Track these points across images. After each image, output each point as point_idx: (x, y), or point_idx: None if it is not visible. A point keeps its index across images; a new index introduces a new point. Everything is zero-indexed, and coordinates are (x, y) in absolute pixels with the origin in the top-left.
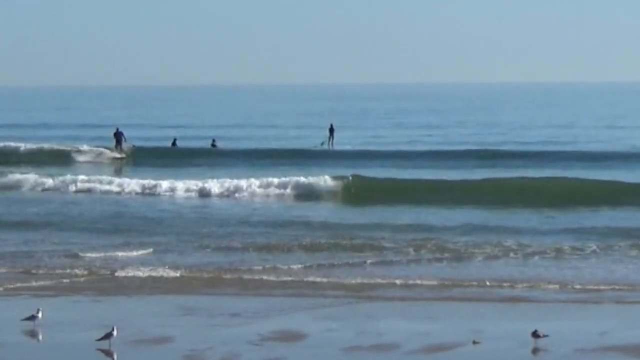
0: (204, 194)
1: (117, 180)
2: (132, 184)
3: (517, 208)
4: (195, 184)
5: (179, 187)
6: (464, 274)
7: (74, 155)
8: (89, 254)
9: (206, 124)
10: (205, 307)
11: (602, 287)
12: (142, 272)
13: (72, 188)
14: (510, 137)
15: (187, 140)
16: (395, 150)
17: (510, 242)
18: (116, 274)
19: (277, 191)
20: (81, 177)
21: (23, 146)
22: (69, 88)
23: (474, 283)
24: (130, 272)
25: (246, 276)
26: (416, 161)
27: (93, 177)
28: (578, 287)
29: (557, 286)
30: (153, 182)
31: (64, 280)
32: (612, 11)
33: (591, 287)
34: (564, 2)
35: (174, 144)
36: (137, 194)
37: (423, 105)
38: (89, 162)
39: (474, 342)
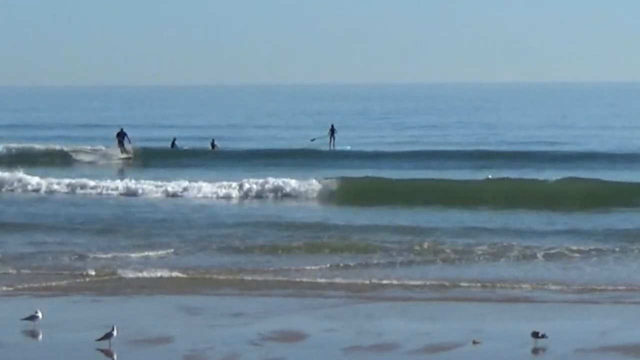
0: (203, 194)
1: (117, 180)
2: (130, 185)
3: (517, 209)
4: (194, 185)
5: (178, 187)
6: (464, 275)
7: (78, 156)
8: (90, 255)
9: (206, 124)
10: (206, 307)
11: (602, 288)
12: (142, 273)
13: (74, 189)
14: (510, 138)
15: (187, 140)
16: (395, 150)
17: (510, 242)
18: (117, 274)
19: (277, 192)
20: (83, 178)
21: (27, 147)
22: (69, 88)
23: (474, 283)
24: (131, 273)
25: (246, 277)
26: (416, 161)
27: (94, 178)
28: (578, 287)
29: (557, 286)
30: (152, 183)
31: (65, 281)
32: (612, 11)
33: (591, 287)
34: (564, 2)
35: (173, 144)
36: (135, 195)
37: (423, 105)
38: (92, 162)
39: (474, 342)
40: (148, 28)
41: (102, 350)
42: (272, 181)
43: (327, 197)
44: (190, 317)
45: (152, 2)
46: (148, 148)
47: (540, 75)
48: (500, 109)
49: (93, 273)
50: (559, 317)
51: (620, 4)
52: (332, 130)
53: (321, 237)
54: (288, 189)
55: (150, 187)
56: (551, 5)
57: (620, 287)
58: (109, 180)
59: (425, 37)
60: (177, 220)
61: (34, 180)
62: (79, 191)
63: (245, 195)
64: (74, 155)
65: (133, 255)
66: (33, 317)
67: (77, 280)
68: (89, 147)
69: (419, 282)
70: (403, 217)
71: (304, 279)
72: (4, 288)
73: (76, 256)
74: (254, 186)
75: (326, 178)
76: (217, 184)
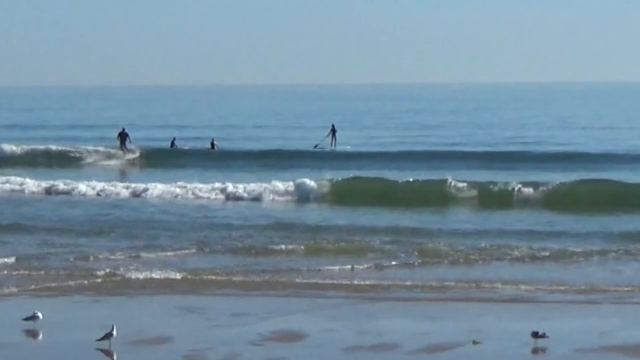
0: (204, 195)
1: (117, 181)
2: (129, 185)
3: (517, 209)
4: (194, 186)
5: (178, 188)
6: (464, 275)
7: (80, 156)
8: (90, 256)
9: (206, 124)
10: (206, 307)
11: (602, 288)
12: (143, 273)
13: (73, 189)
14: (510, 138)
15: (186, 140)
16: (395, 150)
17: (510, 243)
18: (117, 274)
19: (277, 192)
20: (83, 179)
21: (28, 148)
22: (69, 88)
23: (474, 284)
24: (131, 273)
25: (246, 277)
26: (416, 162)
27: (94, 178)
28: (578, 287)
29: (557, 287)
30: (151, 184)
31: (65, 282)
32: (612, 11)
33: (591, 287)
34: (564, 2)
35: (172, 144)
36: (134, 196)
37: (423, 106)
38: (93, 163)
39: (474, 342)
40: (148, 28)
41: (102, 350)
42: (272, 181)
43: (327, 197)
44: (190, 317)
45: (152, 2)
46: (148, 148)
47: (541, 75)
48: (500, 109)
49: (93, 273)
50: (559, 317)
51: (620, 4)
52: (333, 131)
53: (321, 237)
54: (288, 189)
55: (150, 187)
56: (551, 6)
57: (620, 288)
58: (109, 181)
59: (425, 37)
60: (177, 220)
61: (33, 181)
62: (78, 191)
63: (245, 196)
64: (74, 156)
65: (133, 255)
66: (34, 317)
67: (78, 281)
68: (90, 148)
69: (419, 282)
70: (403, 217)
71: (304, 279)
72: (6, 289)
73: (76, 257)
74: (254, 186)
75: (327, 179)
76: (217, 184)
